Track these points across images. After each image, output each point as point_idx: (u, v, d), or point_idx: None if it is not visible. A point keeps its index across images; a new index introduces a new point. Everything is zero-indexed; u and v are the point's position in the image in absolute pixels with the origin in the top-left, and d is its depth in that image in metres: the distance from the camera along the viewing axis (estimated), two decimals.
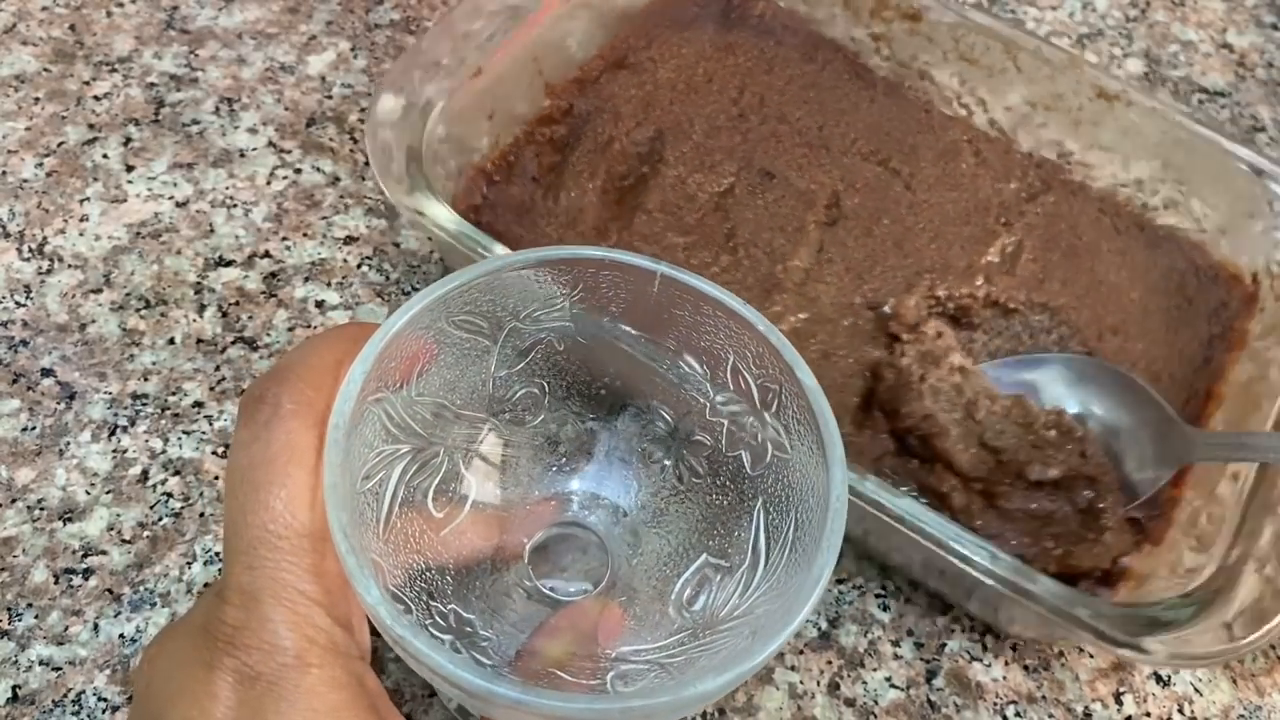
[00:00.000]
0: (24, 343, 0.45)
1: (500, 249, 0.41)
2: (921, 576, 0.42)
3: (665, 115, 0.50)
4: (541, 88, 0.51)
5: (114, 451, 0.43)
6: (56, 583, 0.40)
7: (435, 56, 0.45)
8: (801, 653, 0.41)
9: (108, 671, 0.38)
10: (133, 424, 0.44)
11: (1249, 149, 0.47)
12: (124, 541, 0.41)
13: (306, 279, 0.48)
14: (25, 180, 0.50)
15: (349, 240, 0.50)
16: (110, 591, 0.40)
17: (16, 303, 0.46)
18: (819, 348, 0.44)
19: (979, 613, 0.42)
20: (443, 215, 0.41)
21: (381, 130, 0.43)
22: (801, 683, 0.40)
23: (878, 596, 0.42)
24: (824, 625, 0.41)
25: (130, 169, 0.51)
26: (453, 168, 0.47)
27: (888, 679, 0.40)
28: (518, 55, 0.49)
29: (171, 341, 0.46)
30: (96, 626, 0.39)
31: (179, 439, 0.43)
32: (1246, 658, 0.42)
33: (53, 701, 0.37)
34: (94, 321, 0.46)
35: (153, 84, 0.54)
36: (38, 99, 0.53)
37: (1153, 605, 0.36)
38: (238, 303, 0.47)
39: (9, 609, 0.39)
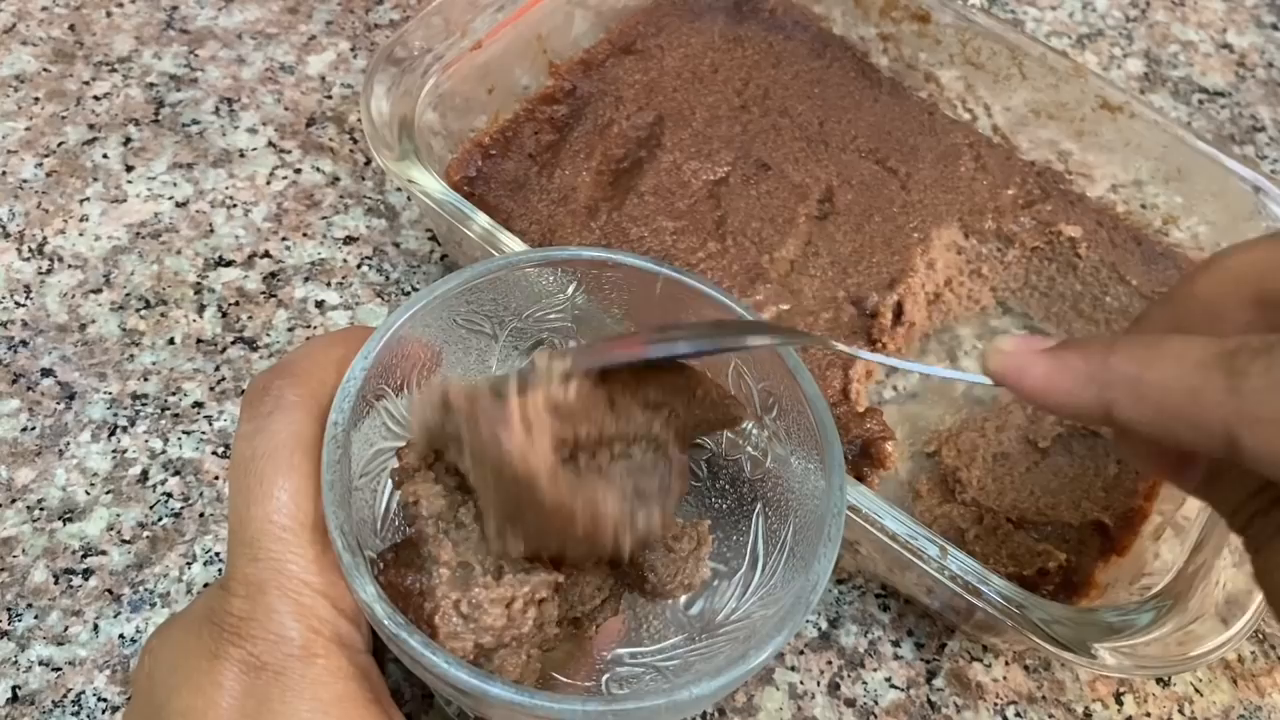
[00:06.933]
0: (24, 343, 0.45)
1: (483, 219, 0.41)
2: (885, 572, 0.42)
3: (667, 102, 0.50)
4: (545, 66, 0.51)
5: (114, 452, 0.43)
6: (56, 583, 0.40)
7: (436, 27, 0.46)
8: (802, 653, 0.41)
9: (107, 672, 0.38)
10: (133, 424, 0.44)
11: (1249, 168, 0.47)
12: (124, 542, 0.41)
13: (306, 279, 0.48)
14: (25, 180, 0.50)
15: (349, 240, 0.50)
16: (110, 592, 0.40)
17: (16, 303, 0.46)
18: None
19: (941, 611, 0.41)
20: (430, 183, 0.41)
21: (376, 97, 0.43)
22: (801, 683, 0.40)
23: (878, 596, 0.42)
24: (824, 625, 0.41)
25: (130, 169, 0.51)
26: (449, 139, 0.47)
27: (888, 679, 0.40)
28: (521, 32, 0.49)
29: (171, 342, 0.46)
30: (96, 627, 0.39)
31: (179, 439, 0.43)
32: (1247, 658, 0.42)
33: (52, 702, 0.37)
34: (94, 321, 0.46)
35: (152, 84, 0.54)
36: (37, 99, 0.53)
37: (1108, 611, 0.35)
38: (237, 303, 0.47)
39: (9, 609, 0.39)
